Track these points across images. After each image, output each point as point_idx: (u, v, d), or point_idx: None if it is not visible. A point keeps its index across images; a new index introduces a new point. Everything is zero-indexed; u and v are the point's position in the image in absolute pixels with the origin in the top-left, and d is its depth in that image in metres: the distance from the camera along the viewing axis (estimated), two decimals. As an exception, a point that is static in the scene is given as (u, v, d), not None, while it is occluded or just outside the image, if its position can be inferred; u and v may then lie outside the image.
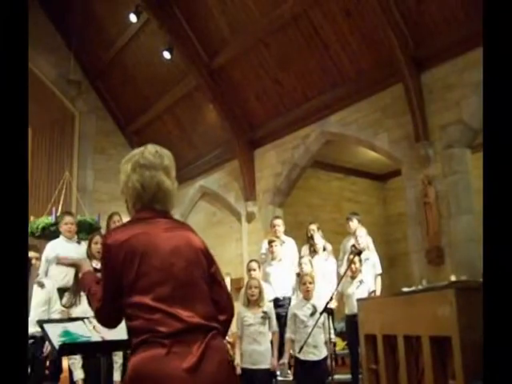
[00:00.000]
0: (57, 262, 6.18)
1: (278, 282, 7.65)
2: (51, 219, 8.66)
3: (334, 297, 5.85)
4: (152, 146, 2.52)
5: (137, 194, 2.41)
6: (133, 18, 11.27)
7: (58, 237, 7.58)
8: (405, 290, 4.50)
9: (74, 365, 4.97)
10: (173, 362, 2.08)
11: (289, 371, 7.25)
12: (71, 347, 3.43)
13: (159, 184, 2.40)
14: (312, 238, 8.06)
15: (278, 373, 7.16)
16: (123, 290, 2.25)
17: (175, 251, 2.30)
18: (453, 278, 4.86)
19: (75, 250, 7.19)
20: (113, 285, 2.28)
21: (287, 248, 8.20)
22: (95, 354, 4.01)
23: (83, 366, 4.91)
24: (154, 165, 2.42)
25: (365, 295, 6.45)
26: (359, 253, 6.30)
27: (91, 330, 3.43)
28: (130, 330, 2.25)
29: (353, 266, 6.62)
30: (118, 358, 5.17)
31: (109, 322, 2.45)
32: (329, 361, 5.63)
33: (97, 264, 6.59)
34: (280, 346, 6.54)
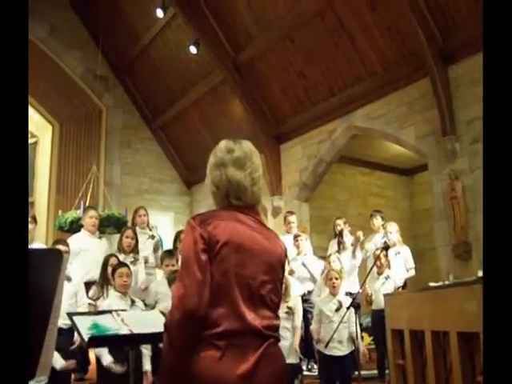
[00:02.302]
0: None
1: (304, 277, 7.66)
2: (79, 213, 8.72)
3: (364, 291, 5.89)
4: (225, 141, 2.45)
5: (213, 194, 2.37)
6: (159, 13, 11.31)
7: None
8: (432, 284, 4.47)
9: (100, 352, 5.00)
10: (227, 366, 2.04)
11: (315, 365, 7.27)
12: (100, 340, 3.47)
13: (229, 179, 2.31)
14: (341, 233, 8.04)
15: (304, 367, 7.19)
16: None
17: (257, 253, 2.22)
18: (480, 273, 4.80)
19: (97, 245, 7.27)
20: (206, 270, 2.11)
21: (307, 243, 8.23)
22: (123, 347, 4.06)
23: (110, 352, 4.95)
24: (223, 161, 2.35)
25: (391, 291, 6.44)
26: (386, 248, 6.27)
27: (120, 323, 3.47)
28: None
29: (378, 261, 6.61)
30: (146, 351, 5.21)
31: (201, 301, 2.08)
32: (355, 356, 5.63)
33: (124, 258, 6.69)
34: (308, 344, 6.59)
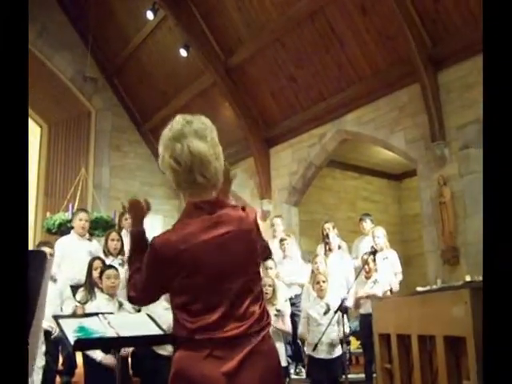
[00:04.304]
0: None
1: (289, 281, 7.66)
2: (68, 215, 8.66)
3: (350, 295, 5.88)
4: (180, 115, 2.27)
5: (174, 172, 2.17)
6: (150, 15, 11.31)
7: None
8: (419, 289, 4.48)
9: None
10: (211, 364, 2.02)
11: (302, 369, 7.26)
12: (86, 342, 3.45)
13: (191, 150, 2.13)
14: (327, 236, 8.04)
15: (292, 371, 7.17)
16: (171, 291, 2.17)
17: (226, 265, 2.14)
18: (468, 278, 4.82)
19: (86, 247, 7.19)
20: (156, 284, 2.18)
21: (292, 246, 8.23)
22: (110, 350, 4.04)
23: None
24: (183, 133, 2.17)
25: (379, 295, 6.44)
26: (374, 253, 6.28)
27: (106, 326, 3.45)
28: (175, 327, 2.16)
29: (366, 266, 6.61)
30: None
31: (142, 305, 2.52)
32: (344, 359, 5.63)
33: (112, 260, 6.65)
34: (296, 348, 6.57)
